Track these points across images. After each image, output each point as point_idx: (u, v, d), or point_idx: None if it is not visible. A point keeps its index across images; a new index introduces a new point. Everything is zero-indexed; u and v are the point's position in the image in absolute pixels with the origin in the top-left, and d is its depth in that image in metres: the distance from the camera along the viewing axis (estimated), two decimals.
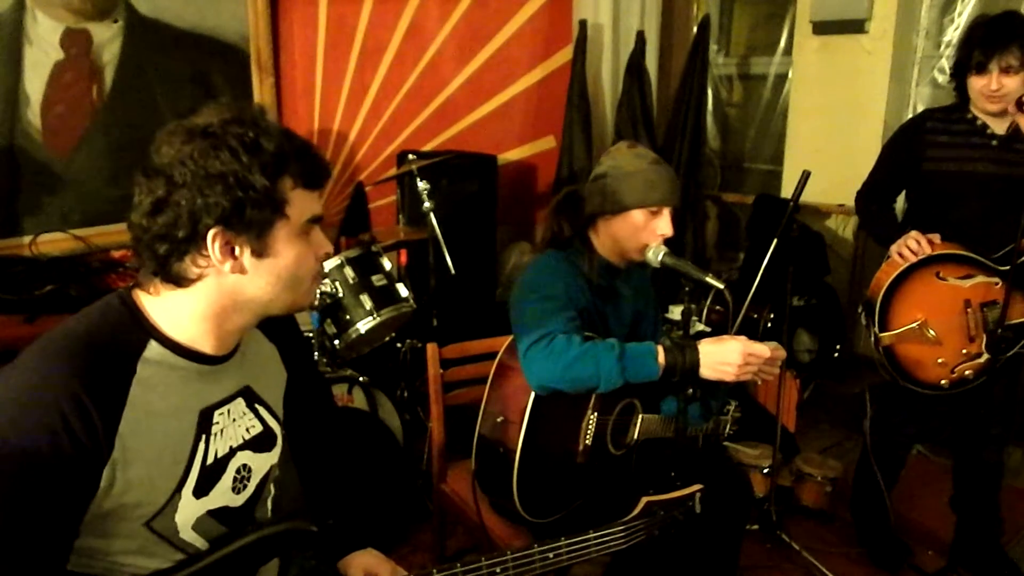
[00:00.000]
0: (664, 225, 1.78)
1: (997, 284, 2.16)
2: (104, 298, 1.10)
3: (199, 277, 1.05)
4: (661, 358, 1.66)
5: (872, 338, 2.19)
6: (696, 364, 1.65)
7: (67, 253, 2.82)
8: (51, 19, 2.77)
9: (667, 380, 1.69)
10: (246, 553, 1.17)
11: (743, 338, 1.66)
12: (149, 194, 1.01)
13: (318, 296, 2.56)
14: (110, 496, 1.00)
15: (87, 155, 2.92)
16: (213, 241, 1.01)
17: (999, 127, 2.15)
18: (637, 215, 1.78)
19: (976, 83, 2.08)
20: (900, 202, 2.41)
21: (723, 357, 1.65)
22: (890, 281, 2.16)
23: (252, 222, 1.02)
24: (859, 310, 2.29)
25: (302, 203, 1.07)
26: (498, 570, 1.31)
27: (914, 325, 2.15)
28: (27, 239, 2.79)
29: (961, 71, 2.13)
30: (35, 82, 2.77)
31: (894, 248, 2.18)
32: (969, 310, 2.17)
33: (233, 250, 1.04)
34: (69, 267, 2.69)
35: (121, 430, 1.00)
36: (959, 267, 2.16)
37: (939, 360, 2.18)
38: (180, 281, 1.05)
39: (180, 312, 1.07)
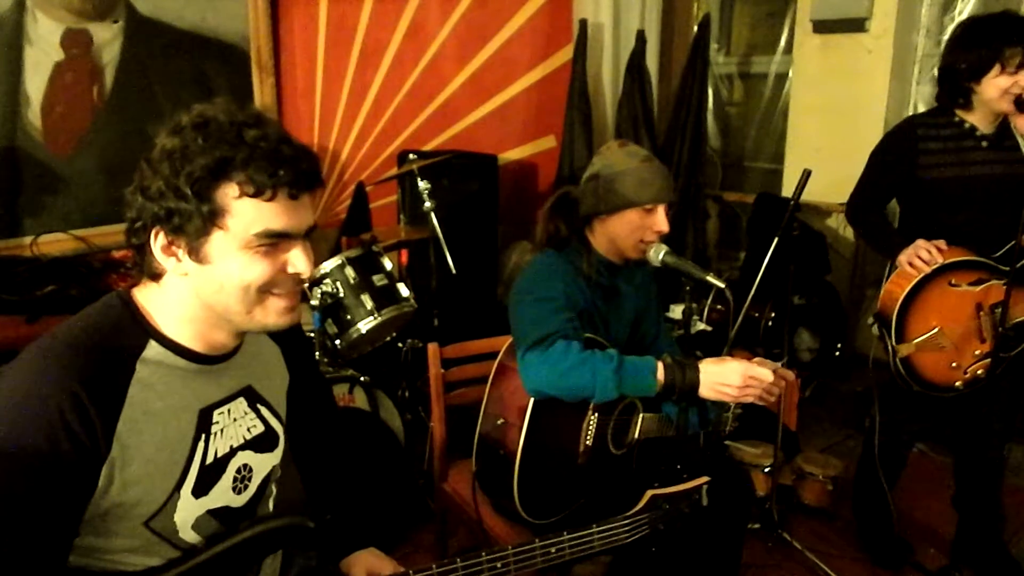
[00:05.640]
0: (660, 222, 1.78)
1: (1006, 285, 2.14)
2: (104, 298, 1.10)
3: (163, 273, 1.07)
4: (660, 375, 1.64)
5: (889, 350, 2.16)
6: (696, 384, 1.64)
7: (68, 253, 2.82)
8: (51, 19, 2.77)
9: (665, 397, 1.68)
10: (245, 548, 1.17)
11: (745, 361, 1.65)
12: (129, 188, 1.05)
13: (319, 298, 2.55)
14: (109, 495, 1.01)
15: (88, 155, 2.93)
16: (155, 240, 1.03)
17: (986, 127, 2.13)
18: (632, 214, 1.77)
19: (1002, 83, 2.00)
20: (891, 205, 2.38)
21: (723, 378, 1.63)
22: (905, 293, 2.12)
23: (181, 228, 1.01)
24: (871, 322, 2.25)
25: (249, 214, 1.01)
26: (499, 565, 1.28)
27: (932, 334, 2.13)
28: (28, 239, 2.79)
29: (976, 73, 2.03)
30: (36, 82, 2.78)
31: (903, 258, 2.13)
32: (981, 314, 2.15)
33: (177, 252, 1.04)
34: (70, 267, 2.69)
35: (119, 429, 1.00)
36: (969, 273, 2.14)
37: (953, 364, 2.16)
38: (153, 276, 1.07)
39: (172, 313, 1.08)
